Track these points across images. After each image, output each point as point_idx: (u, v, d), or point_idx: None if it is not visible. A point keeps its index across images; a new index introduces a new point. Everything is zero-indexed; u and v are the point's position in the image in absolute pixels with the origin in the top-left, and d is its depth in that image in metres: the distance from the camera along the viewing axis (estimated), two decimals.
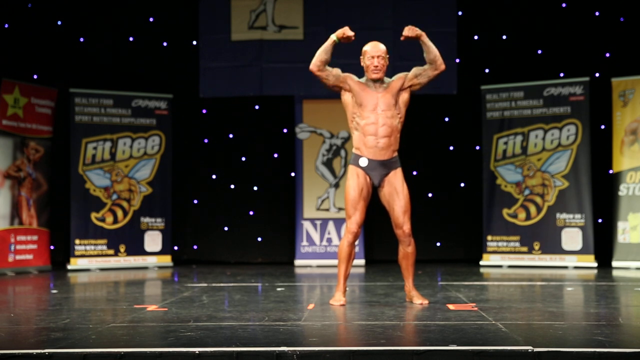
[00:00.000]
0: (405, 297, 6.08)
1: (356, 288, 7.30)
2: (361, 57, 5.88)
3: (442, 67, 5.78)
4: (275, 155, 10.87)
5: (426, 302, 5.83)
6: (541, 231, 9.77)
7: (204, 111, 10.84)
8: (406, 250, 5.83)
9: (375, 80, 5.79)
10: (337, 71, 5.83)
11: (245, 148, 10.88)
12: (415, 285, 6.03)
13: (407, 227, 5.77)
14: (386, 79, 5.86)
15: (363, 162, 5.78)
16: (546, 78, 10.04)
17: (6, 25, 10.30)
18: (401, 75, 5.86)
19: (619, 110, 9.58)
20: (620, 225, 9.45)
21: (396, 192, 5.76)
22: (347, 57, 9.90)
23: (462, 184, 10.82)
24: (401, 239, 5.82)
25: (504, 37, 10.59)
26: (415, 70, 5.83)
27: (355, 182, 5.77)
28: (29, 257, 9.50)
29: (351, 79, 5.82)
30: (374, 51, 5.78)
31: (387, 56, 5.85)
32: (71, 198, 9.83)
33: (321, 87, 9.27)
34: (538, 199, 9.81)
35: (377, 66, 5.74)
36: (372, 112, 5.73)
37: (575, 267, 9.52)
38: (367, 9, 10.16)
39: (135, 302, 6.32)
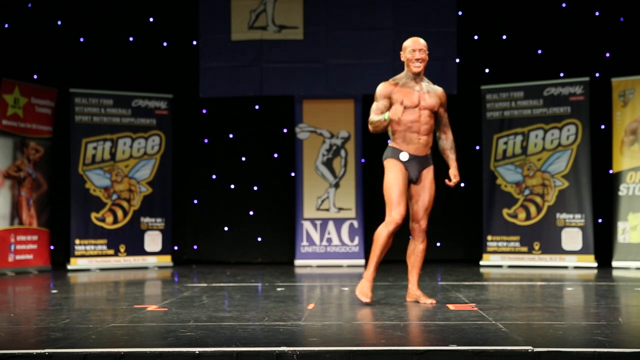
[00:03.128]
0: (405, 297, 6.06)
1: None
2: (401, 52, 5.85)
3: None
4: (275, 155, 10.87)
5: (434, 301, 5.83)
6: (541, 231, 9.77)
7: (204, 111, 10.84)
8: (418, 246, 5.87)
9: (415, 76, 5.77)
10: (385, 103, 5.76)
11: (245, 148, 10.88)
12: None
13: (424, 222, 5.86)
14: (426, 80, 5.86)
15: (404, 156, 5.77)
16: (546, 78, 10.03)
17: (6, 25, 10.30)
18: (442, 95, 5.87)
19: (619, 110, 9.58)
20: (620, 225, 9.45)
21: (425, 188, 5.83)
22: (346, 57, 10.00)
23: (462, 184, 10.79)
24: (416, 233, 5.86)
25: (504, 37, 10.59)
26: (442, 112, 5.89)
27: (397, 174, 5.74)
28: (29, 257, 9.50)
29: (388, 92, 5.75)
30: (415, 45, 5.77)
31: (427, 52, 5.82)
32: (71, 198, 9.83)
33: (321, 87, 9.21)
34: (538, 199, 9.80)
35: (419, 59, 5.73)
36: (414, 110, 5.71)
37: (575, 267, 9.52)
38: (367, 9, 10.16)
39: (135, 302, 6.31)
